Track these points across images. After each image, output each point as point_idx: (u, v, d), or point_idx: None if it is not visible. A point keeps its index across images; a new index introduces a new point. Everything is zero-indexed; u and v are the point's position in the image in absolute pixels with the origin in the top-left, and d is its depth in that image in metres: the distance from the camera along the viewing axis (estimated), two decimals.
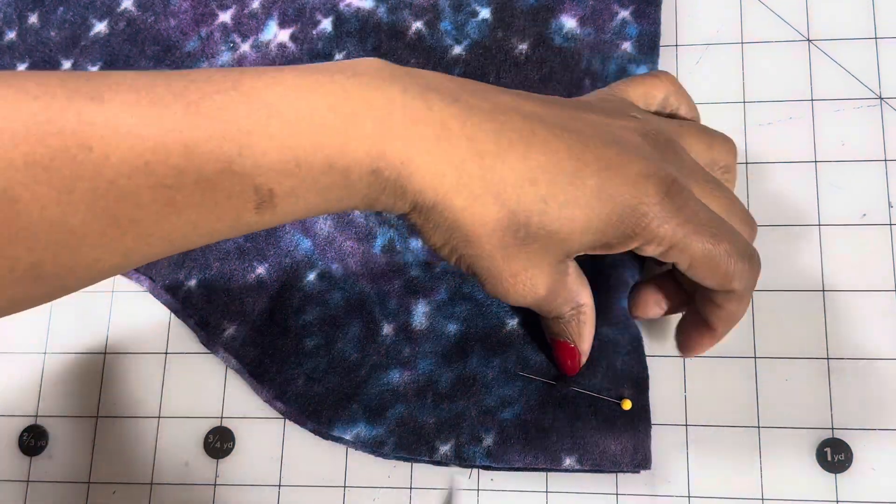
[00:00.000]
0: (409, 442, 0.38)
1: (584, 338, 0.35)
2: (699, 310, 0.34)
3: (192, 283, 0.41)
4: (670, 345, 0.39)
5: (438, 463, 0.38)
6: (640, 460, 0.36)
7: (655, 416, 0.38)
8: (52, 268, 0.25)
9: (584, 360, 0.36)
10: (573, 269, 0.33)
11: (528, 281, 0.31)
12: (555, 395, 0.37)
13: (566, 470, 0.37)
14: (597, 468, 0.36)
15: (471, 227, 0.29)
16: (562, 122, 0.31)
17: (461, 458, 0.37)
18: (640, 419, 0.36)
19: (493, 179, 0.29)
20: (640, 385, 0.37)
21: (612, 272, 0.38)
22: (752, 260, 0.32)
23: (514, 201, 0.29)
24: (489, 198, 0.29)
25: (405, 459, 0.38)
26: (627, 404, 0.36)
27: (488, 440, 0.37)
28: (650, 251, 0.31)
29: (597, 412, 0.36)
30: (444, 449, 0.37)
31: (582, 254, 0.32)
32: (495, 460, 0.37)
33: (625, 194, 0.29)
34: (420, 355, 0.39)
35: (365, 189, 0.28)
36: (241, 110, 0.26)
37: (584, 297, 0.34)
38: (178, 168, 0.26)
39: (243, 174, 0.26)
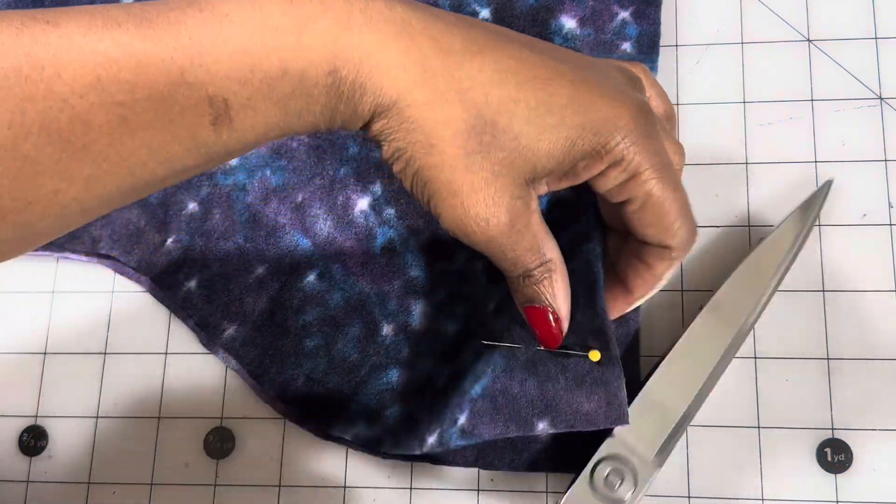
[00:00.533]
0: (403, 438, 0.38)
1: (561, 298, 0.32)
2: (619, 271, 0.34)
3: (192, 283, 0.41)
4: (670, 345, 0.39)
5: (427, 456, 0.38)
6: (615, 416, 0.33)
7: None
8: (10, 202, 0.25)
9: (565, 325, 0.32)
10: (537, 209, 0.30)
11: (489, 199, 0.28)
12: (522, 360, 0.35)
13: (540, 435, 0.35)
14: (571, 428, 0.34)
15: (433, 128, 0.27)
16: (534, 43, 0.30)
17: (443, 444, 0.36)
18: (610, 372, 0.33)
19: (459, 77, 0.27)
20: (604, 336, 0.34)
21: (570, 221, 0.37)
22: (693, 223, 0.31)
23: (481, 100, 0.27)
24: (454, 95, 0.27)
25: (400, 457, 0.38)
26: (595, 355, 0.34)
27: (462, 419, 0.35)
28: (612, 178, 0.29)
29: (565, 370, 0.34)
30: (431, 440, 0.36)
31: (545, 187, 0.30)
32: (468, 437, 0.35)
33: (600, 107, 0.28)
34: (419, 355, 0.39)
35: (324, 97, 0.27)
36: (195, 21, 0.26)
37: (551, 249, 0.31)
38: (131, 83, 0.25)
39: (196, 84, 0.26)
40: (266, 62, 0.26)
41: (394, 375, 0.39)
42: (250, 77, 0.26)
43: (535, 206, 0.30)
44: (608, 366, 0.33)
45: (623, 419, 0.33)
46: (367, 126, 0.29)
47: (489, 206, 0.29)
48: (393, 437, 0.38)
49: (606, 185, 0.30)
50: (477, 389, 0.36)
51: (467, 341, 0.39)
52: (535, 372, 0.34)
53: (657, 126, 0.30)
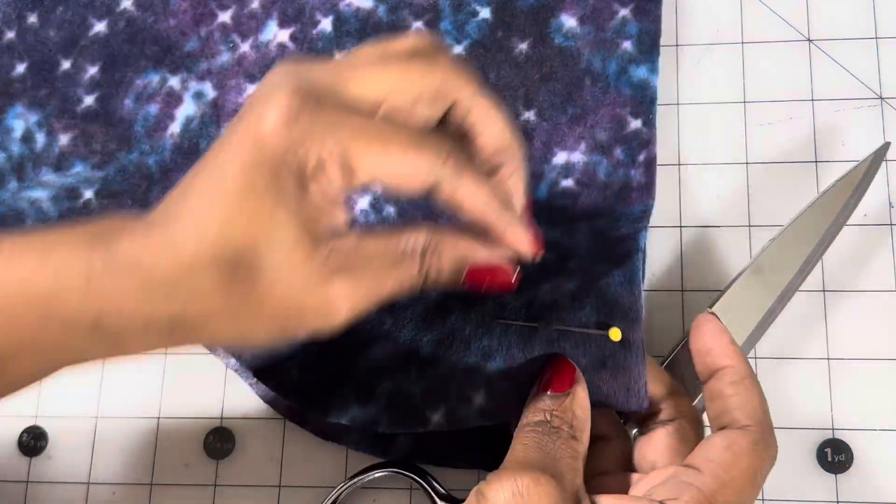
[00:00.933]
0: (401, 416, 0.36)
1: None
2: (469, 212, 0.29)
3: None
4: (670, 345, 0.39)
5: (428, 457, 0.37)
6: (634, 402, 0.32)
7: None
8: None
9: (524, 242, 0.29)
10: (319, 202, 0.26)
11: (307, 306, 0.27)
12: (538, 338, 0.34)
13: None
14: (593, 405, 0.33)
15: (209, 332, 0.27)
16: None
17: (455, 423, 0.35)
18: (633, 354, 0.33)
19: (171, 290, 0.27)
20: (631, 316, 0.33)
21: (608, 209, 0.37)
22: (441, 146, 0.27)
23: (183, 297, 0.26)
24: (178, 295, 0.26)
25: (422, 443, 0.38)
26: (616, 334, 0.32)
27: (479, 399, 0.35)
28: (333, 178, 0.26)
29: (586, 351, 0.33)
30: (436, 418, 0.35)
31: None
32: (491, 418, 0.34)
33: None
34: (400, 324, 0.38)
35: (96, 344, 0.27)
36: None
37: (418, 235, 0.28)
38: None
39: None
40: (26, 316, 0.26)
41: (377, 350, 0.37)
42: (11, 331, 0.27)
43: (323, 259, 0.27)
44: (630, 349, 0.33)
45: (642, 404, 0.32)
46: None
47: (314, 313, 0.27)
48: (388, 414, 0.36)
49: (333, 186, 0.26)
50: (492, 367, 0.35)
51: (449, 301, 0.37)
52: (552, 351, 0.33)
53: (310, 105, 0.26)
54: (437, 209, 0.40)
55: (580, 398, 0.32)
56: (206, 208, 0.26)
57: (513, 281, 0.30)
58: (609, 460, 0.33)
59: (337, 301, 0.27)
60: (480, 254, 0.29)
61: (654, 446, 0.32)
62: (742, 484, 0.29)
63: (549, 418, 0.31)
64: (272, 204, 0.25)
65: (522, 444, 0.30)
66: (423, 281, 0.29)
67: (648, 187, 0.39)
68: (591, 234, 0.38)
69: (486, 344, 0.35)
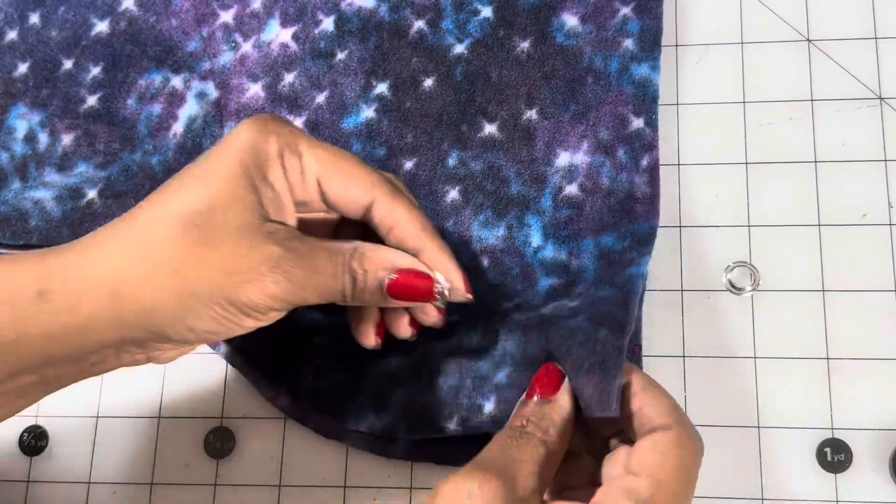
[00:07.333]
0: (417, 424, 0.37)
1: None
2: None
3: None
4: (670, 345, 0.39)
5: (428, 455, 0.38)
6: (604, 405, 0.31)
7: None
8: None
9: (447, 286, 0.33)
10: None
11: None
12: (541, 348, 0.35)
13: None
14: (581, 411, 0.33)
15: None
16: None
17: (470, 430, 0.36)
18: (610, 360, 0.32)
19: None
20: (618, 326, 0.33)
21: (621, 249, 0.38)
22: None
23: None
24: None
25: (422, 443, 0.38)
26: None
27: (489, 406, 0.36)
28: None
29: (575, 358, 0.33)
30: (452, 426, 0.36)
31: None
32: (501, 426, 0.33)
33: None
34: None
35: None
36: None
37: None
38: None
39: None
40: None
41: (392, 361, 0.38)
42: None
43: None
44: (608, 355, 0.32)
45: (608, 410, 0.31)
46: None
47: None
48: (404, 424, 0.37)
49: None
50: (500, 376, 0.36)
51: (453, 313, 0.36)
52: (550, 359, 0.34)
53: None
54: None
55: (562, 404, 0.32)
56: (177, 183, 0.30)
57: (438, 314, 0.34)
58: (577, 476, 0.33)
59: (267, 281, 0.30)
60: (404, 260, 0.32)
61: (616, 462, 0.32)
62: (676, 482, 0.29)
63: (525, 423, 0.31)
64: (235, 180, 0.30)
65: (489, 446, 0.31)
66: (350, 285, 0.31)
67: (653, 201, 0.39)
68: (597, 256, 0.38)
69: (493, 354, 0.36)
